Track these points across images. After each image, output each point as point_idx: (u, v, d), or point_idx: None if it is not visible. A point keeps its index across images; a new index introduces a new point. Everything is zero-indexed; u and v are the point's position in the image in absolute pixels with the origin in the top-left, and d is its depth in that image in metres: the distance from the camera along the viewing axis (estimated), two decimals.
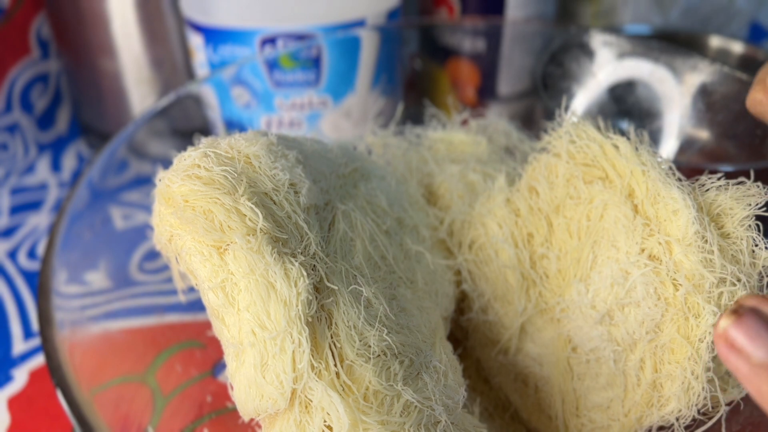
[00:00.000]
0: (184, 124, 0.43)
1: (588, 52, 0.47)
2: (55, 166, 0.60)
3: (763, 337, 0.22)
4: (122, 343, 0.35)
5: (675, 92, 0.44)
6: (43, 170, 0.59)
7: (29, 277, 0.47)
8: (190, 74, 0.55)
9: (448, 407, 0.26)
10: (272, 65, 0.46)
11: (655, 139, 0.44)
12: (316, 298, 0.26)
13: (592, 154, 0.31)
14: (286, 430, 0.25)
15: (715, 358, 0.27)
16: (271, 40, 0.47)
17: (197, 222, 0.25)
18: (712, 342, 0.26)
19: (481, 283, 0.34)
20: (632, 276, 0.28)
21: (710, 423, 0.29)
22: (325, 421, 0.24)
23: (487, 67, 0.54)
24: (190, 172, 0.26)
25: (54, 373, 0.27)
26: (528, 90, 0.56)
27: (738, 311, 0.22)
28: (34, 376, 0.41)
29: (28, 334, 0.43)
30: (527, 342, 0.33)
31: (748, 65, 0.57)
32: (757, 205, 0.28)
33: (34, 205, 0.55)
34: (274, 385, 0.24)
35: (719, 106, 0.42)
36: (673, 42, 0.52)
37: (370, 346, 0.25)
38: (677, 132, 0.44)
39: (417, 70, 0.55)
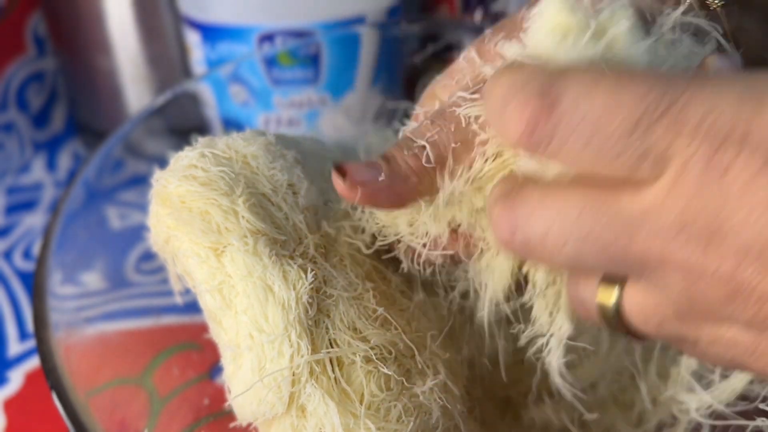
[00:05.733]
0: (181, 123, 0.43)
1: None
2: (51, 165, 0.59)
3: None
4: (118, 345, 0.35)
5: None
6: (38, 169, 0.59)
7: (25, 277, 0.47)
8: (187, 72, 0.55)
9: (446, 413, 0.26)
10: (270, 63, 0.46)
11: None
12: (315, 300, 0.25)
13: None
14: None
15: None
16: (269, 38, 0.46)
17: (194, 223, 0.25)
18: None
19: None
20: None
21: None
22: (320, 429, 0.24)
23: None
24: (187, 173, 0.26)
25: (49, 375, 0.27)
26: None
27: None
28: (30, 378, 0.40)
29: (23, 335, 0.43)
30: None
31: None
32: None
33: (30, 205, 0.55)
34: (272, 390, 0.24)
35: None
36: None
37: (369, 351, 0.25)
38: None
39: (418, 67, 0.55)
